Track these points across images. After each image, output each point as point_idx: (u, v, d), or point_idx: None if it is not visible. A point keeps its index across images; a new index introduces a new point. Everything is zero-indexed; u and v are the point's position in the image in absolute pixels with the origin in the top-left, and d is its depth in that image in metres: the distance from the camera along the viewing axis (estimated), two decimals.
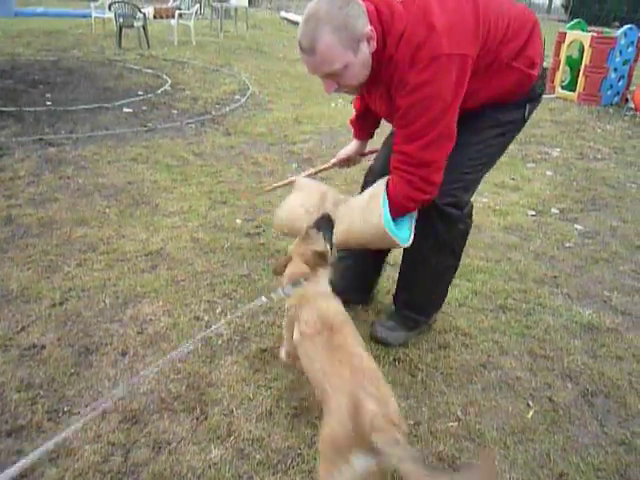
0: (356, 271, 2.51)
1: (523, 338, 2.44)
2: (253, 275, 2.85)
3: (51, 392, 1.96)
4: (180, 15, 11.42)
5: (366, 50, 1.66)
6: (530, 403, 2.05)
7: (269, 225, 3.48)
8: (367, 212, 1.92)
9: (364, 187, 2.32)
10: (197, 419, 1.87)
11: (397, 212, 1.90)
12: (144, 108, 6.26)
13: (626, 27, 7.93)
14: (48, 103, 6.17)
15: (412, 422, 1.92)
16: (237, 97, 7.00)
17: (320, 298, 1.75)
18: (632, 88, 8.20)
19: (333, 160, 2.57)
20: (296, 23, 16.47)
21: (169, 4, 13.04)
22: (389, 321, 2.35)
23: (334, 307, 1.73)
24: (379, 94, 1.87)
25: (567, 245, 3.46)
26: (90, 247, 3.08)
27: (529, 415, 1.99)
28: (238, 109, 6.48)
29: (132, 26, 10.01)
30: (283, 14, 18.23)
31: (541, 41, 1.91)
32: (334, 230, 1.92)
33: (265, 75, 8.53)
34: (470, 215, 2.14)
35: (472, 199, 2.16)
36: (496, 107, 1.92)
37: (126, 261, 2.95)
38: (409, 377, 2.15)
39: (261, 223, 3.50)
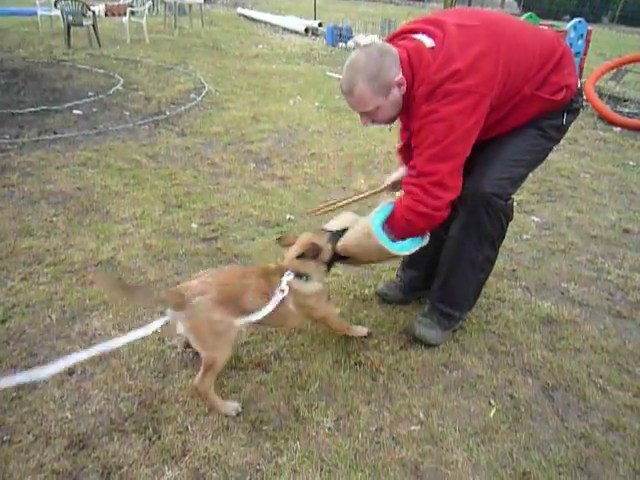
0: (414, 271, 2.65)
1: (483, 334, 2.44)
2: None
3: None
4: (132, 12, 11.06)
5: (397, 94, 1.91)
6: (492, 401, 2.04)
7: (226, 228, 3.39)
8: (363, 219, 2.10)
9: None
10: (150, 439, 1.78)
11: (400, 226, 2.04)
12: (95, 110, 6.02)
13: (575, 20, 8.14)
14: None
15: (374, 428, 1.88)
16: (192, 96, 6.82)
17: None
18: (583, 80, 8.43)
19: (382, 185, 2.57)
20: (253, 19, 16.27)
21: (121, 1, 12.62)
22: (425, 318, 2.37)
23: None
24: (404, 121, 2.13)
25: (525, 237, 3.50)
26: (36, 259, 2.91)
27: (491, 414, 1.98)
28: (194, 108, 6.31)
29: (81, 24, 9.63)
30: (240, 10, 17.95)
31: (572, 65, 2.05)
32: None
33: (221, 73, 8.35)
34: (512, 210, 2.19)
35: None
36: (535, 117, 2.05)
37: (74, 272, 2.80)
38: (370, 381, 2.11)
39: (218, 226, 3.40)
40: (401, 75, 1.86)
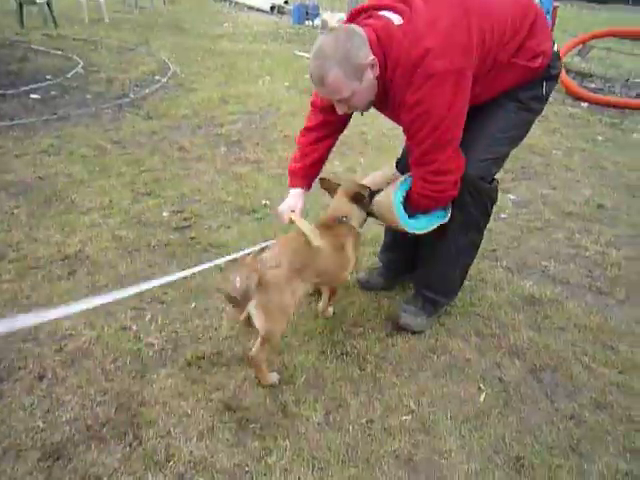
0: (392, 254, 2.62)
1: (469, 317, 2.41)
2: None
3: None
4: None
5: (370, 76, 1.79)
6: (481, 386, 2.02)
7: (199, 216, 3.26)
8: (388, 188, 2.10)
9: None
10: (130, 445, 1.68)
11: (412, 204, 2.05)
12: (54, 93, 5.70)
13: None
14: None
15: (364, 420, 1.83)
16: (157, 77, 6.55)
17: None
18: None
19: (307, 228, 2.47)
20: None
21: None
22: (409, 306, 2.32)
23: None
24: (388, 112, 2.02)
25: (502, 216, 3.49)
26: None
27: (481, 399, 1.96)
28: (159, 90, 6.06)
29: (34, 3, 9.10)
30: None
31: (546, 30, 1.95)
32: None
33: (186, 53, 8.05)
34: (496, 191, 2.14)
35: None
36: (514, 88, 1.98)
37: (40, 268, 2.64)
38: (358, 371, 2.06)
39: (191, 214, 3.27)
40: (372, 56, 1.75)
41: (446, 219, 2.09)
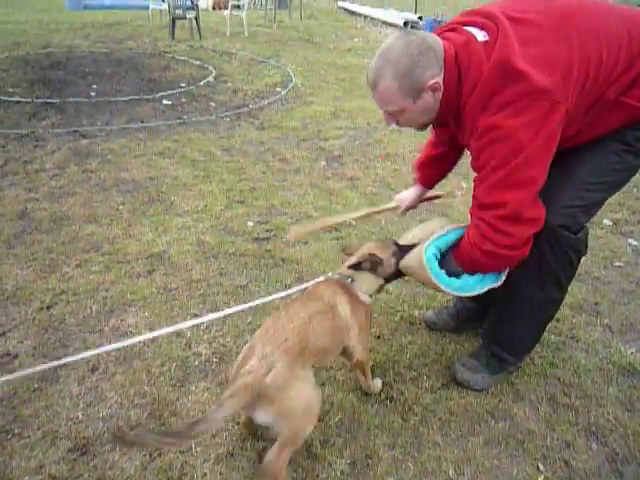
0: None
1: (545, 380, 2.08)
2: (251, 286, 2.65)
3: (8, 409, 1.85)
4: (237, 6, 11.38)
5: (429, 99, 1.61)
6: (541, 466, 1.72)
7: (281, 229, 3.27)
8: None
9: None
10: (150, 455, 1.69)
11: (465, 262, 1.75)
12: (183, 100, 6.20)
13: None
14: (92, 94, 6.24)
15: (392, 479, 1.65)
16: (278, 89, 6.81)
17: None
18: None
19: (391, 204, 2.37)
20: (353, 13, 16.06)
21: None
22: (472, 359, 2.07)
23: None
24: (460, 140, 1.78)
25: (617, 264, 3.01)
26: (94, 246, 2.99)
27: None
28: (277, 102, 6.29)
29: (184, 17, 10.05)
30: (340, 3, 17.83)
31: None
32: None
33: (311, 67, 8.28)
34: (585, 243, 1.82)
35: None
36: (620, 127, 1.66)
37: (125, 263, 2.83)
38: (400, 421, 1.87)
39: (273, 227, 3.29)
40: (439, 80, 1.56)
41: (499, 282, 1.78)
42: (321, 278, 1.95)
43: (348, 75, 7.84)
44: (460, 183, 4.08)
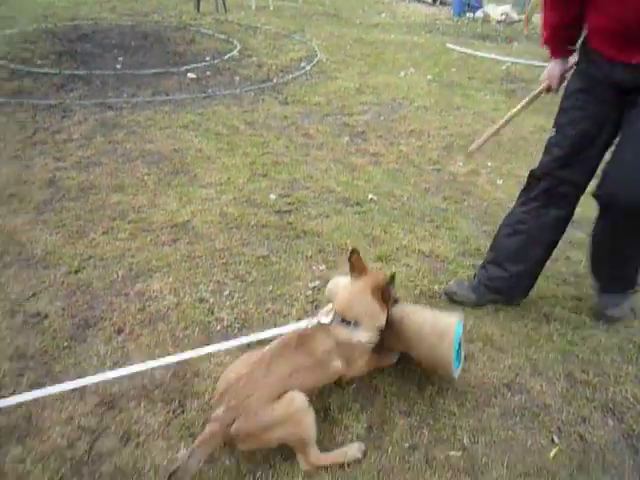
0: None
1: (564, 357, 2.08)
2: (272, 257, 2.68)
3: (40, 365, 1.94)
4: None
5: None
6: (555, 439, 1.73)
7: (303, 202, 3.29)
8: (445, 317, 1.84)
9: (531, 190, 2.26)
10: (173, 412, 1.76)
11: None
12: (208, 74, 6.20)
13: None
14: (118, 67, 6.28)
15: (407, 445, 1.68)
16: (303, 64, 6.75)
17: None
18: None
19: (542, 86, 2.28)
20: None
21: None
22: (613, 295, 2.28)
23: None
24: None
25: None
26: (120, 214, 3.06)
27: (551, 454, 1.68)
28: (301, 77, 6.24)
29: None
30: None
31: None
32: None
33: (337, 42, 8.17)
34: None
35: None
36: None
37: (150, 232, 2.89)
38: (416, 390, 1.90)
39: (295, 200, 3.31)
40: None
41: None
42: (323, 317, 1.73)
43: (374, 51, 7.72)
44: (486, 162, 4.03)
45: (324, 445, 1.66)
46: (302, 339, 1.65)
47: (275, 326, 2.17)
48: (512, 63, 7.25)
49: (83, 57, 6.62)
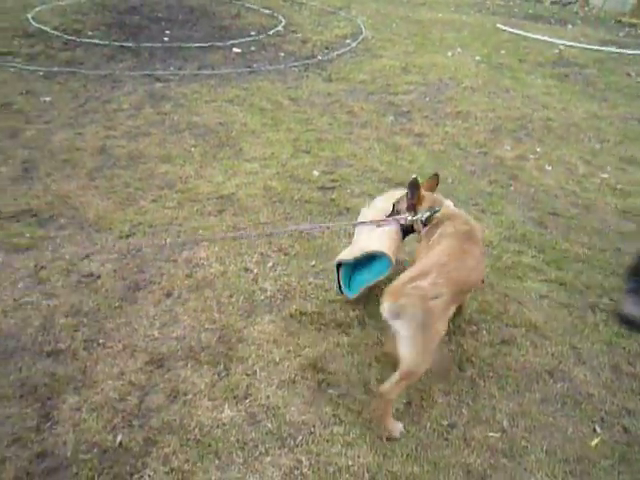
0: None
1: (609, 348, 2.04)
2: (314, 232, 2.71)
3: (93, 322, 2.03)
4: None
5: None
6: (597, 428, 1.71)
7: (346, 180, 3.28)
8: None
9: None
10: (219, 375, 1.82)
11: None
12: (253, 49, 6.19)
13: None
14: (165, 39, 6.35)
15: (446, 423, 1.70)
16: (348, 41, 6.66)
17: None
18: None
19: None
20: None
21: None
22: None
23: None
24: None
25: None
26: (168, 184, 3.13)
27: (593, 443, 1.66)
28: (346, 54, 6.17)
29: None
30: None
31: None
32: None
33: (383, 19, 8.01)
34: None
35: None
36: None
37: (197, 202, 2.96)
38: (456, 371, 1.90)
39: (338, 177, 3.31)
40: None
41: None
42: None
43: (421, 29, 7.54)
44: (535, 147, 3.92)
45: (364, 416, 1.70)
46: (469, 234, 1.84)
47: (318, 300, 2.20)
48: (566, 46, 6.96)
49: (132, 29, 6.71)
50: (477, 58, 6.23)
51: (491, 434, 1.67)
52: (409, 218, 1.96)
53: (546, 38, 7.35)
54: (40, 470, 1.50)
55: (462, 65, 5.91)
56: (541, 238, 2.78)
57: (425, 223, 1.92)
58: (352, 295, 2.10)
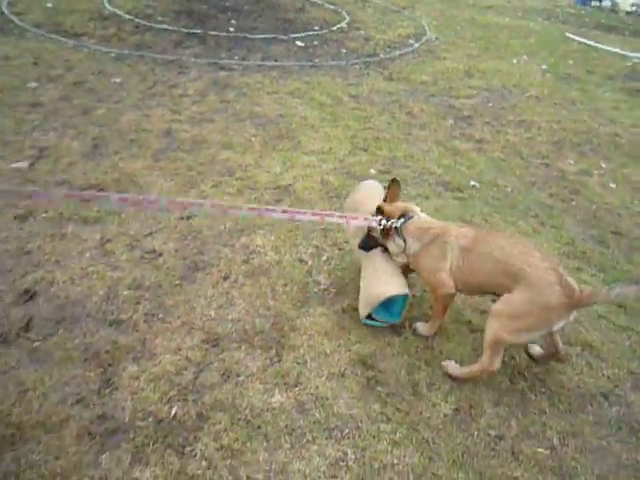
0: None
1: None
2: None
3: (154, 297, 2.11)
4: None
5: None
6: None
7: (404, 180, 3.23)
8: None
9: None
10: (271, 360, 1.87)
11: None
12: (315, 43, 6.23)
13: None
14: (231, 29, 6.47)
15: (494, 434, 1.68)
16: (411, 41, 6.61)
17: None
18: None
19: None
20: None
21: None
22: None
23: None
24: None
25: None
26: (228, 171, 3.21)
27: None
28: (408, 54, 6.12)
29: None
30: None
31: None
32: None
33: (447, 21, 7.90)
34: None
35: None
36: None
37: (255, 190, 3.02)
38: (507, 383, 1.88)
39: (396, 177, 3.29)
40: None
41: None
42: None
43: (486, 33, 7.40)
44: (599, 162, 3.79)
45: (410, 417, 1.70)
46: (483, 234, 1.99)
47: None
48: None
49: (199, 17, 6.87)
50: (543, 67, 6.07)
51: (540, 450, 1.64)
52: (384, 222, 2.04)
53: (618, 50, 7.07)
54: (100, 431, 1.58)
55: (527, 73, 5.77)
56: (602, 257, 2.70)
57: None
58: (398, 319, 2.07)
